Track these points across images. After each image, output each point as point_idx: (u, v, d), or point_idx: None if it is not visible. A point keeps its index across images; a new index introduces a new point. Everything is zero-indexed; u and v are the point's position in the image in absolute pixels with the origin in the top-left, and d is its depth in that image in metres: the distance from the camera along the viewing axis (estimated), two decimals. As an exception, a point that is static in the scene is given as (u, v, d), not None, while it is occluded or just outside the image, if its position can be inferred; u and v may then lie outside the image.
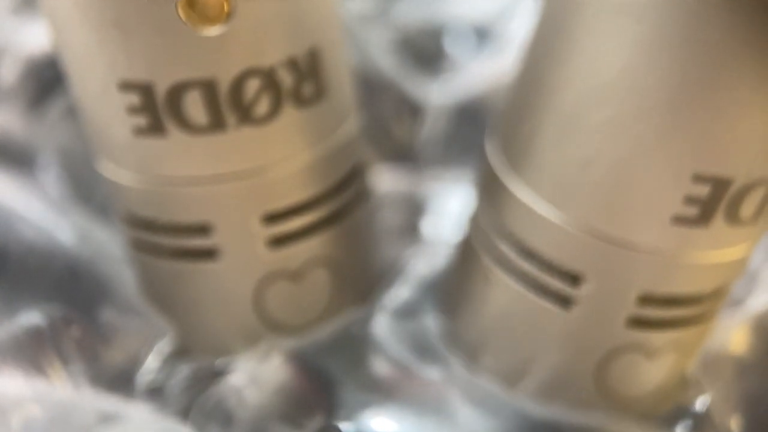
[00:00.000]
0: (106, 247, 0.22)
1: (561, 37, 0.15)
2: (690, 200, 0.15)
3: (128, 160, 0.17)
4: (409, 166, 0.27)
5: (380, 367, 0.21)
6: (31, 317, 0.19)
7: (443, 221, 0.25)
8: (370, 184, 0.21)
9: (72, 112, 0.24)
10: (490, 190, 0.18)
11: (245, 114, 0.16)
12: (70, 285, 0.20)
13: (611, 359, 0.18)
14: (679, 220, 0.15)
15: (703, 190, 0.14)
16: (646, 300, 0.16)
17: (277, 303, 0.19)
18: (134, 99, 0.15)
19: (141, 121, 0.15)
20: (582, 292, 0.17)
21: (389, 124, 0.28)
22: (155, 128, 0.16)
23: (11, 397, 0.17)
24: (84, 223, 0.23)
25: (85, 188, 0.24)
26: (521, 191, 0.17)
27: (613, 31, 0.14)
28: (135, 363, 0.20)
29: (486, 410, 0.20)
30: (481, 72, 0.29)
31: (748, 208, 0.15)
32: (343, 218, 0.19)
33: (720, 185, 0.14)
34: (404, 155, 0.28)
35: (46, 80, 0.25)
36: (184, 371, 0.20)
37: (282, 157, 0.16)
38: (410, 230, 0.25)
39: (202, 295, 0.19)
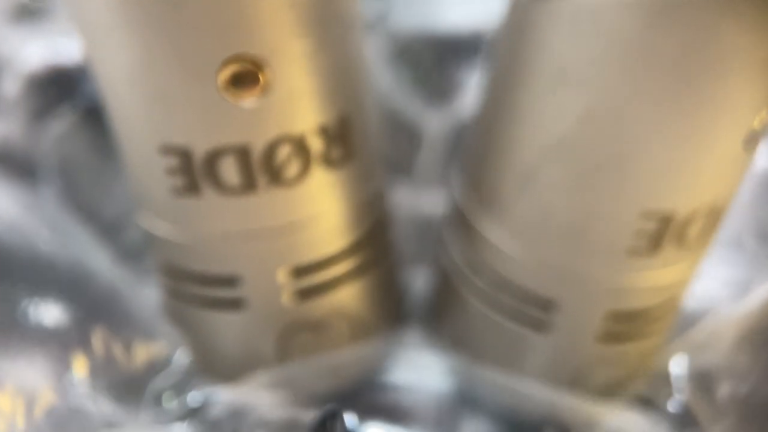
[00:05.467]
0: (109, 264, 0.22)
1: (507, 105, 0.17)
2: (639, 234, 0.16)
3: (165, 215, 0.17)
4: (405, 187, 0.28)
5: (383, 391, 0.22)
6: (57, 314, 0.19)
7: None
8: (394, 238, 0.21)
9: (75, 129, 0.24)
10: (461, 228, 0.20)
11: (275, 176, 0.16)
12: (81, 299, 0.21)
13: (585, 369, 0.20)
14: (633, 251, 0.17)
15: (649, 225, 0.16)
16: (612, 318, 0.18)
17: (298, 350, 0.20)
18: (173, 162, 0.16)
19: (178, 181, 0.16)
20: (555, 316, 0.18)
21: (386, 145, 0.28)
22: (191, 188, 0.16)
23: (35, 386, 0.18)
24: (88, 240, 0.23)
25: (88, 206, 0.24)
26: (491, 231, 0.18)
27: (554, 101, 0.16)
28: (149, 372, 0.21)
29: (490, 418, 0.22)
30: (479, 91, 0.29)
31: (692, 235, 0.17)
32: (368, 271, 0.20)
33: (664, 219, 0.16)
34: (401, 176, 0.28)
35: (48, 95, 0.25)
36: (193, 389, 0.21)
37: (309, 215, 0.17)
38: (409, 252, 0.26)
39: (225, 339, 0.20)
